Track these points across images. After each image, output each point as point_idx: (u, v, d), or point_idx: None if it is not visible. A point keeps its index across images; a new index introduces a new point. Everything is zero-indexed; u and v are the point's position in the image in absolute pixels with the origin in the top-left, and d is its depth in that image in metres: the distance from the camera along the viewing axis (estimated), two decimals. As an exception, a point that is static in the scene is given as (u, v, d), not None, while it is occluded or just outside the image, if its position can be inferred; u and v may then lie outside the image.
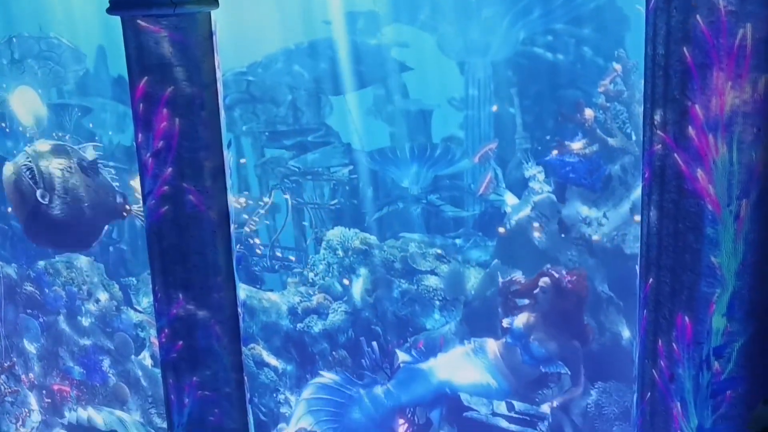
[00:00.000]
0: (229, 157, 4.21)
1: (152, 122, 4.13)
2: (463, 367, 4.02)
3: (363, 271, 4.15)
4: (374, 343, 4.20)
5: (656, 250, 3.19)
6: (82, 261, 5.16)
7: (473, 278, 3.89)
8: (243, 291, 4.44)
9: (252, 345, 4.55)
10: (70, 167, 4.91)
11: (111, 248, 5.04)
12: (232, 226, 4.30)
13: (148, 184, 4.19)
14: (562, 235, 3.62)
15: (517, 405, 3.93)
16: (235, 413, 4.50)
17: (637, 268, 3.34)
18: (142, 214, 4.69)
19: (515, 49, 3.52)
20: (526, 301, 3.77)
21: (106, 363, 5.24)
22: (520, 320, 3.77)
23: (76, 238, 5.08)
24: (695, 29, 2.78)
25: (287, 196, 4.26)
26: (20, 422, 5.76)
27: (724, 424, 3.08)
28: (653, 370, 3.27)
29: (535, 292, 3.69)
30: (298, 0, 3.95)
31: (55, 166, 4.89)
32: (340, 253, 4.17)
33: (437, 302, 4.00)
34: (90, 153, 4.87)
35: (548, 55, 3.45)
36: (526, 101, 3.56)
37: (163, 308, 4.39)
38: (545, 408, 3.84)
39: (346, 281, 4.11)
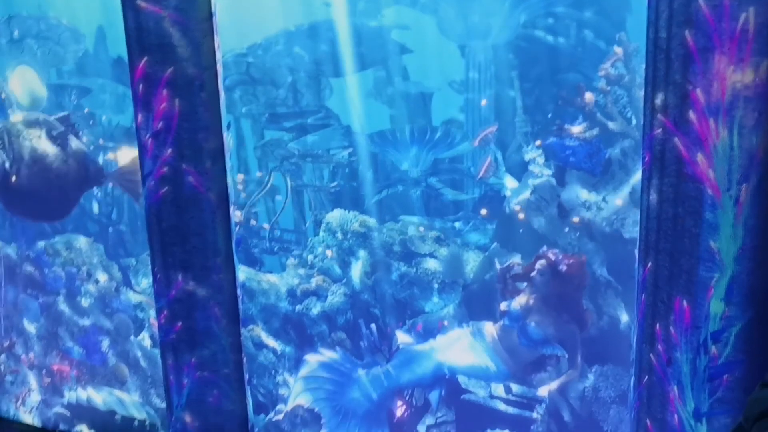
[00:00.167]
0: (228, 138, 4.20)
1: (152, 103, 4.14)
2: (461, 350, 4.03)
3: (362, 253, 4.15)
4: (373, 326, 4.22)
5: (655, 235, 3.20)
6: (82, 242, 5.16)
7: (472, 261, 3.90)
8: (242, 273, 4.45)
9: (251, 326, 4.57)
10: (40, 137, 4.92)
11: (110, 229, 5.04)
12: (231, 208, 4.30)
13: (148, 165, 4.20)
14: (561, 219, 3.62)
15: (515, 388, 3.95)
16: (234, 394, 4.54)
17: (636, 252, 3.35)
18: (121, 179, 4.69)
19: (516, 32, 3.51)
20: (525, 285, 3.78)
21: (105, 343, 5.26)
22: (517, 303, 3.79)
23: (49, 208, 5.11)
24: (698, 13, 2.78)
25: (286, 178, 4.26)
26: (20, 402, 5.79)
27: (721, 407, 3.11)
28: (650, 354, 3.29)
29: (531, 275, 3.70)
30: (299, -19, 3.93)
31: (25, 137, 4.92)
32: (340, 235, 4.18)
33: (436, 285, 4.01)
34: (60, 125, 4.88)
35: (549, 39, 3.44)
36: (527, 84, 3.55)
37: (162, 289, 4.42)
38: (543, 391, 3.86)
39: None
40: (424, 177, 3.90)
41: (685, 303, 3.02)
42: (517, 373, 3.92)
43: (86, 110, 4.82)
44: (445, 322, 4.02)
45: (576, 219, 3.58)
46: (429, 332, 4.08)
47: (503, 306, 3.84)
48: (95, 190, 4.96)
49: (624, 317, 3.57)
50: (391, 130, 3.93)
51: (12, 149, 4.92)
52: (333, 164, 4.11)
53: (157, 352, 4.87)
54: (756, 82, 2.74)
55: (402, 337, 4.15)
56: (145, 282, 4.91)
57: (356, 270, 4.19)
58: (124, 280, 5.06)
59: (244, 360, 4.57)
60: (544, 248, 3.67)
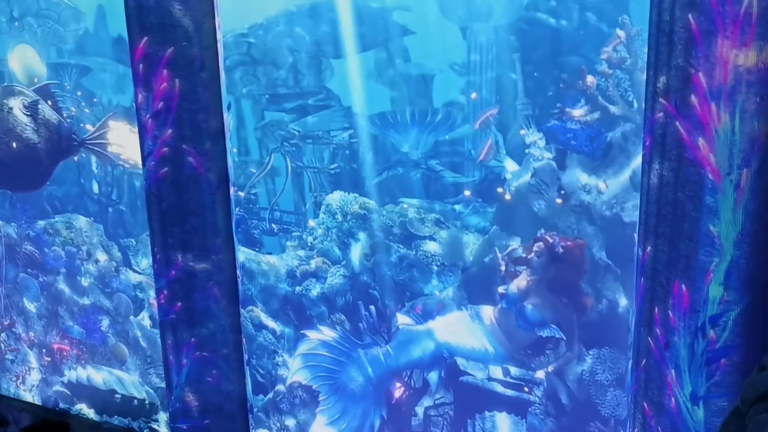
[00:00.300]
0: (229, 119, 4.19)
1: (152, 83, 4.13)
2: (460, 332, 4.04)
3: (362, 235, 4.15)
4: (372, 307, 4.23)
5: (655, 219, 3.20)
6: (82, 222, 5.16)
7: (472, 244, 3.90)
8: (242, 254, 4.45)
9: (250, 307, 4.58)
10: (11, 108, 4.93)
11: (110, 209, 5.04)
12: (231, 189, 4.30)
13: (148, 146, 4.19)
14: (561, 202, 3.62)
15: (513, 370, 3.97)
16: (233, 374, 4.56)
17: (635, 235, 3.35)
18: (94, 146, 4.69)
19: (518, 14, 3.49)
20: (524, 268, 3.79)
21: (105, 323, 5.27)
22: (515, 285, 3.79)
23: (25, 178, 5.13)
24: (701, -4, 2.75)
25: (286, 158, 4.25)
26: (20, 380, 5.82)
27: (718, 391, 3.12)
28: (649, 338, 3.29)
29: (529, 257, 3.71)
30: (300, -39, 3.91)
31: (1, 108, 4.95)
32: (339, 217, 4.18)
33: (435, 267, 4.01)
34: (35, 94, 4.88)
35: (551, 21, 3.42)
36: (529, 67, 3.53)
37: (162, 269, 4.43)
38: (540, 374, 3.88)
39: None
40: (424, 159, 3.90)
41: (683, 287, 3.02)
42: (515, 356, 3.93)
43: (79, 93, 4.81)
44: (443, 304, 4.04)
45: (560, 201, 3.58)
46: (428, 314, 4.09)
47: (501, 289, 3.85)
48: (95, 170, 4.96)
49: (623, 301, 3.58)
50: (391, 112, 3.92)
51: None
52: (333, 146, 4.10)
53: (156, 332, 4.88)
54: (759, 66, 2.72)
55: (401, 318, 4.16)
56: (145, 262, 4.92)
57: (356, 252, 4.19)
58: (124, 260, 5.07)
59: (244, 340, 4.58)
60: (542, 231, 3.68)
